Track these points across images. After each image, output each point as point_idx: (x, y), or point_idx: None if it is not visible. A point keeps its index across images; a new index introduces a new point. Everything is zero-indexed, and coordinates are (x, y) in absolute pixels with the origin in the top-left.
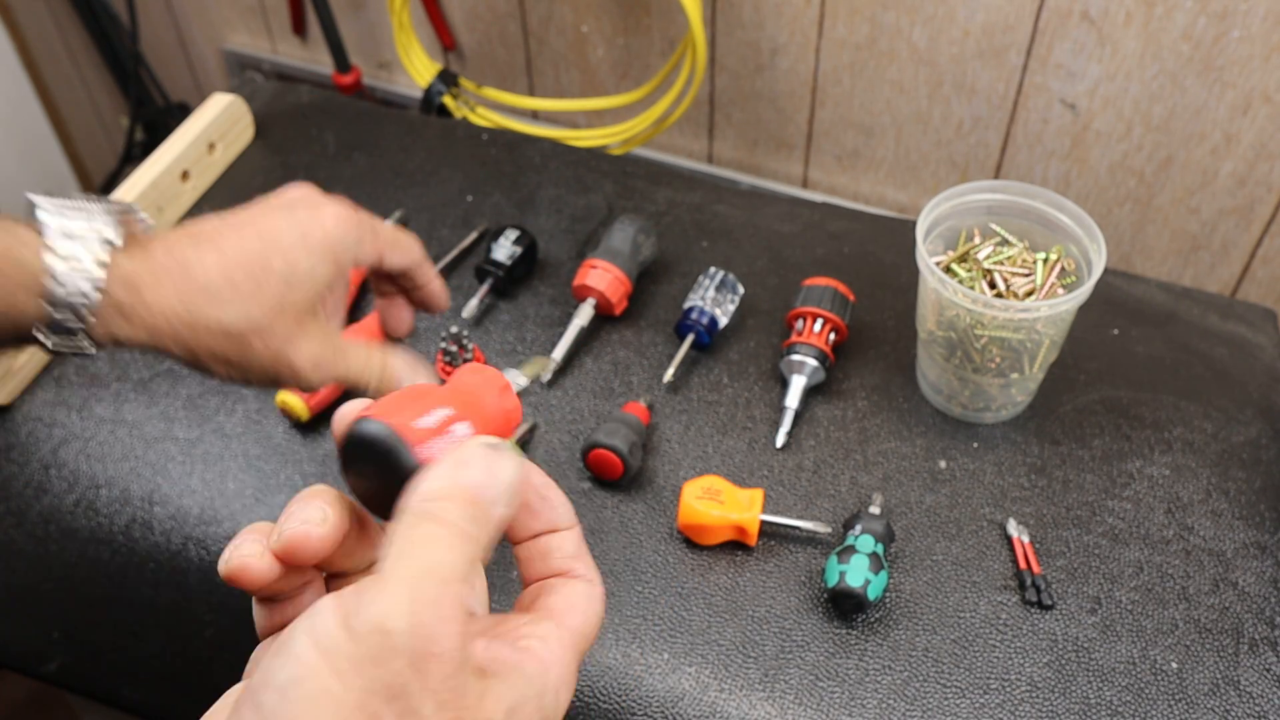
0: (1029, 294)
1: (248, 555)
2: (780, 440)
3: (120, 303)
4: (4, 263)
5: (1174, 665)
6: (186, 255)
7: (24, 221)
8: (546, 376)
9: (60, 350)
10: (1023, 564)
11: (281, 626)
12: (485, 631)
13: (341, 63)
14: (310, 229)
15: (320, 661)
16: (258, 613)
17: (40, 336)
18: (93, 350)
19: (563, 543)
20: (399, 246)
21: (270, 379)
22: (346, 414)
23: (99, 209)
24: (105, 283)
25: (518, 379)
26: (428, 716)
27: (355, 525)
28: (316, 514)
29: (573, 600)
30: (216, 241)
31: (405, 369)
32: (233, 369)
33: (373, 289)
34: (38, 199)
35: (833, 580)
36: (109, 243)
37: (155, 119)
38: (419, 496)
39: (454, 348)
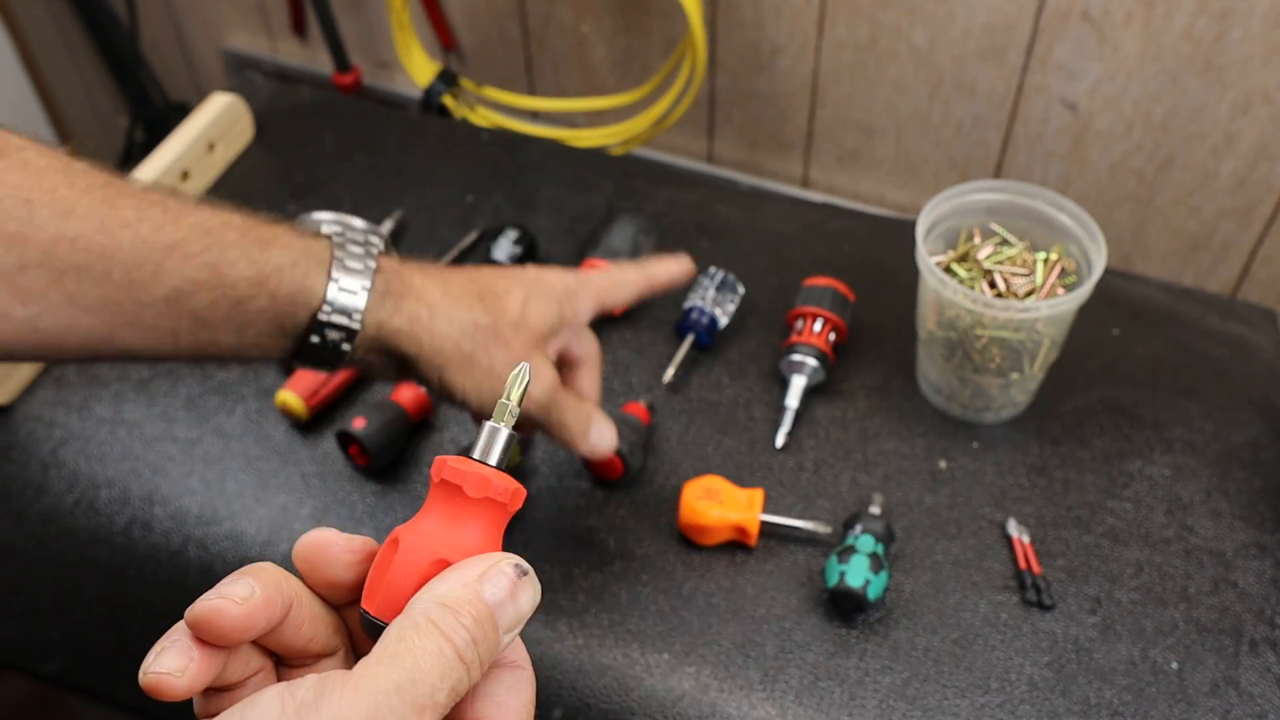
0: (1029, 294)
1: (165, 672)
2: (780, 440)
3: (389, 284)
4: (299, 244)
5: (1174, 665)
6: (435, 270)
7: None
8: (525, 386)
9: (324, 331)
10: (1023, 564)
11: (221, 711)
12: None
13: (341, 63)
14: (537, 277)
15: None
16: (196, 695)
17: (321, 316)
18: (355, 330)
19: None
20: (618, 287)
21: (495, 392)
22: (323, 545)
23: (362, 225)
24: (380, 264)
25: (494, 441)
26: None
27: (305, 602)
28: (241, 590)
29: (500, 699)
30: (457, 275)
31: (605, 435)
32: (473, 371)
33: None
34: (319, 216)
35: (833, 580)
36: (376, 247)
37: (155, 119)
38: (432, 598)
39: None
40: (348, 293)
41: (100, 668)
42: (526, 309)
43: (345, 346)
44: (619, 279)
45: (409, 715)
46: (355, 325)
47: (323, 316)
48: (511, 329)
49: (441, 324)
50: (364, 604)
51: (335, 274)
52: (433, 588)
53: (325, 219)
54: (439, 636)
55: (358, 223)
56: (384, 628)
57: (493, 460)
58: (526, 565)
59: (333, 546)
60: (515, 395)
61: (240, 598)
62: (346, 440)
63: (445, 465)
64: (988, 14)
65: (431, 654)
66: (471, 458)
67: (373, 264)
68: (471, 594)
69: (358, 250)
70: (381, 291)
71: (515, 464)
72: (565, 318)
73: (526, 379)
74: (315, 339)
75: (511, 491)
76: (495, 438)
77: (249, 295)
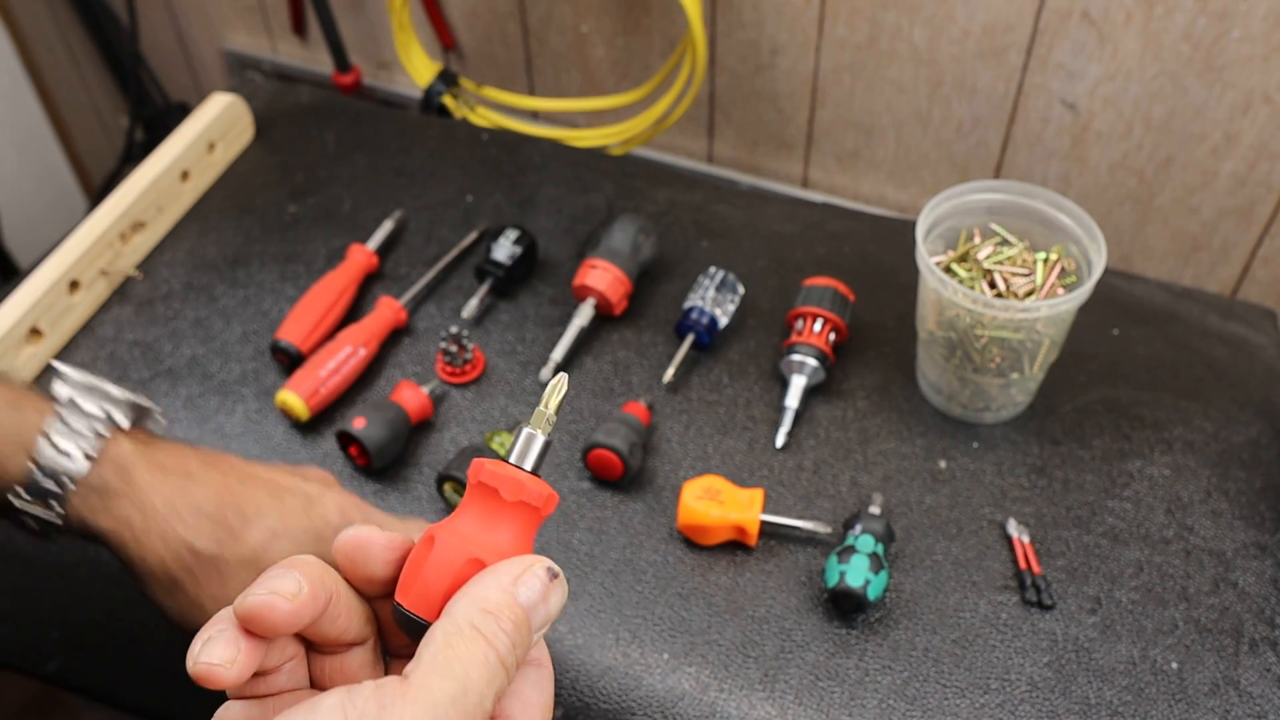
0: (1029, 294)
1: (216, 662)
2: (780, 440)
3: (105, 483)
4: (8, 419)
5: (1174, 665)
6: (191, 467)
7: (39, 391)
8: (562, 394)
9: (22, 515)
10: (1023, 564)
11: (255, 696)
12: None
13: (341, 63)
14: (311, 510)
15: None
16: None
17: (12, 497)
18: (57, 522)
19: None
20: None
21: (198, 620)
22: (371, 546)
23: (118, 395)
24: (98, 458)
25: (530, 446)
26: None
27: (342, 596)
28: (290, 585)
29: (526, 696)
30: (224, 470)
31: None
32: (177, 596)
33: None
34: (62, 369)
35: (833, 580)
36: (114, 425)
37: (155, 119)
38: (472, 602)
39: (454, 348)
40: (49, 478)
41: (100, 668)
42: (271, 545)
43: (52, 528)
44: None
45: None
46: (53, 518)
47: (16, 501)
48: (239, 564)
49: (154, 539)
50: (398, 598)
51: (37, 456)
52: (471, 591)
53: (76, 379)
54: (484, 644)
55: (112, 390)
56: (420, 623)
57: (528, 465)
58: (557, 568)
59: (374, 544)
60: (553, 404)
61: (290, 594)
62: (346, 440)
63: (483, 468)
64: (988, 14)
65: (479, 662)
66: (508, 462)
67: (93, 446)
68: (509, 598)
69: (81, 427)
70: (92, 486)
71: None
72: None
73: (565, 388)
74: (19, 515)
75: (545, 496)
76: (531, 443)
77: None
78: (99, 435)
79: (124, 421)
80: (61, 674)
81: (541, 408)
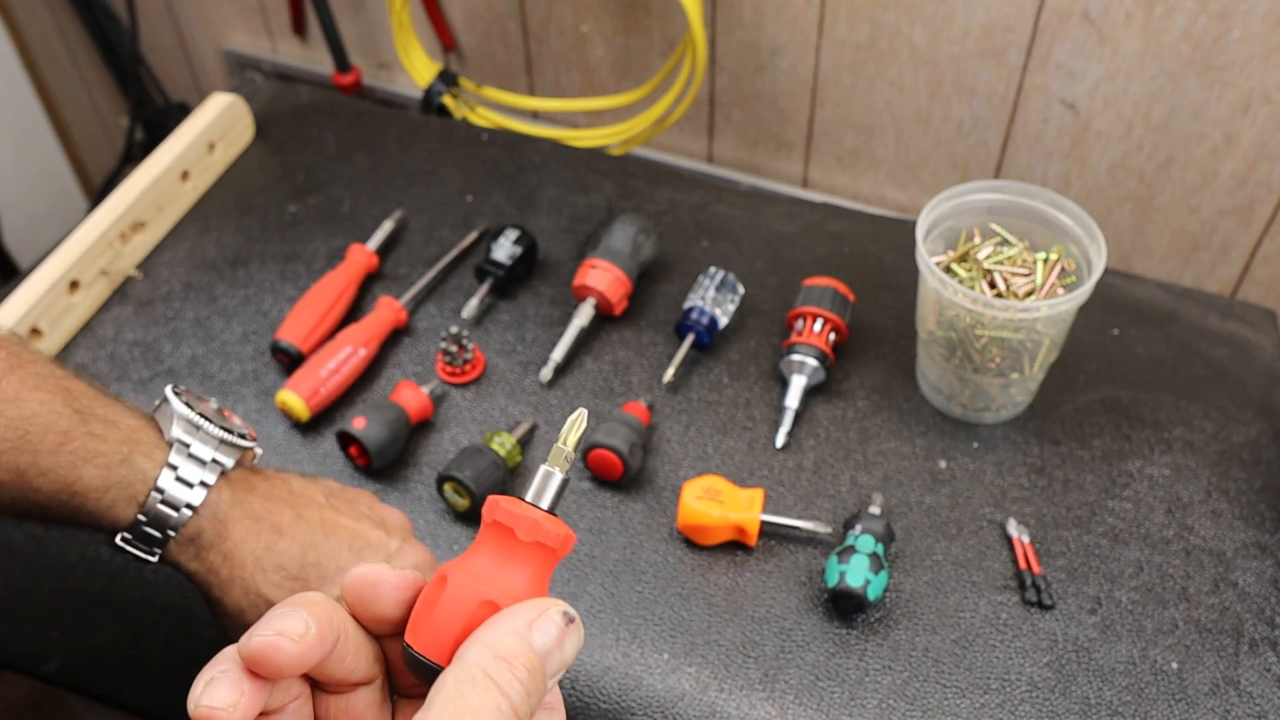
0: (1029, 294)
1: (217, 705)
2: (780, 440)
3: (201, 532)
4: (120, 468)
5: (1174, 665)
6: (282, 521)
7: (154, 424)
8: (582, 429)
9: (124, 550)
10: (1023, 564)
11: None
12: None
13: (341, 63)
14: (390, 561)
15: None
16: None
17: (119, 540)
18: (151, 561)
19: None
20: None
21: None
22: (380, 583)
23: (228, 437)
24: (199, 508)
25: (548, 485)
26: None
27: (350, 635)
28: (297, 626)
29: None
30: (310, 520)
31: None
32: (236, 629)
33: None
34: (176, 405)
35: (833, 580)
36: (222, 472)
37: (155, 119)
38: (485, 647)
39: (454, 348)
40: (153, 527)
41: (100, 668)
42: None
43: (144, 563)
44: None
45: None
46: (151, 558)
47: (119, 542)
48: None
49: (237, 590)
50: (409, 639)
51: (148, 507)
52: (484, 635)
53: (186, 417)
54: (496, 693)
55: (218, 431)
56: (430, 666)
57: (545, 504)
58: (574, 612)
59: (384, 583)
60: (572, 440)
61: (297, 635)
62: (346, 440)
63: (498, 506)
64: (988, 14)
65: (491, 711)
66: (524, 500)
67: (199, 498)
68: (524, 645)
69: (191, 476)
70: (189, 535)
71: (515, 464)
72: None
73: (584, 425)
74: (123, 545)
75: (563, 537)
76: (549, 482)
77: (55, 503)
78: (205, 485)
79: (229, 465)
80: (61, 674)
81: (560, 444)
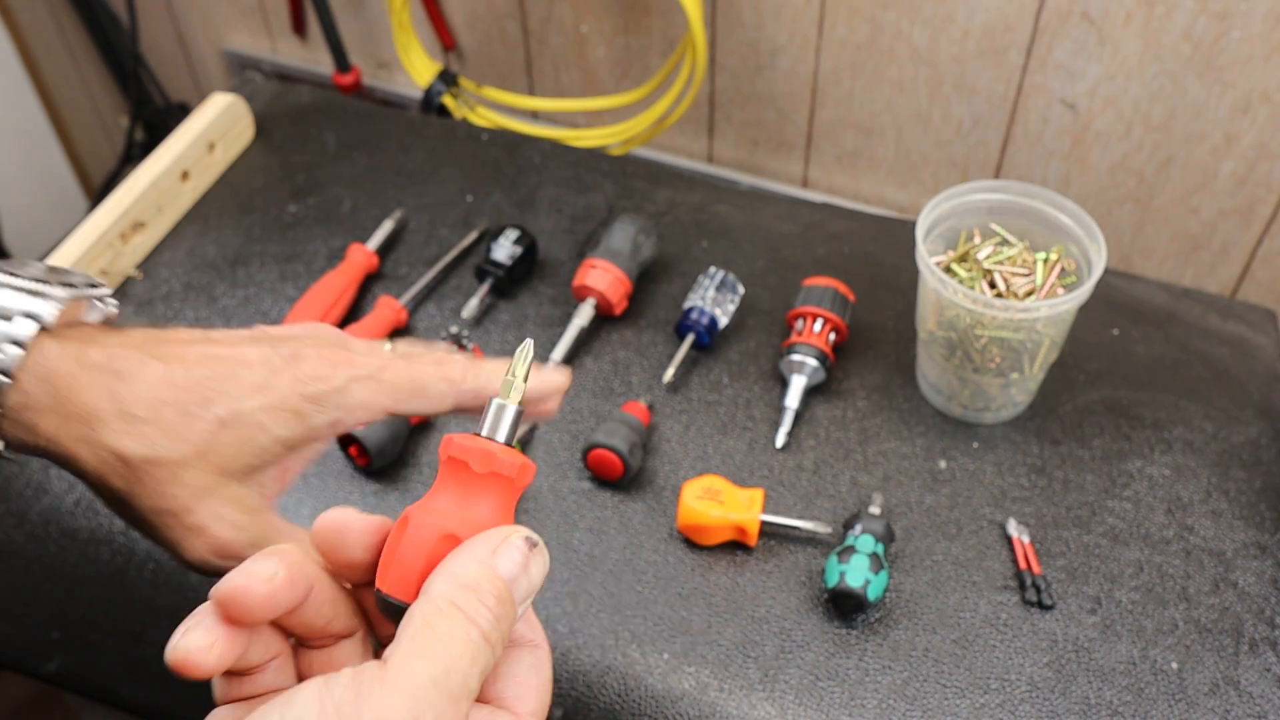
0: (1029, 294)
1: (193, 648)
2: (780, 440)
3: (30, 400)
4: None
5: (1174, 665)
6: (123, 364)
7: None
8: (529, 361)
9: None
10: (1023, 564)
11: (241, 699)
12: None
13: (341, 63)
14: (278, 378)
15: None
16: (216, 680)
17: None
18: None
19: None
20: (422, 396)
21: (153, 535)
22: (343, 526)
23: (30, 285)
24: (16, 375)
25: (501, 418)
26: None
27: (325, 584)
28: (267, 568)
29: (521, 679)
30: (167, 357)
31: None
32: (126, 511)
33: None
34: None
35: (833, 580)
36: (42, 328)
37: (155, 119)
38: (450, 578)
39: (454, 348)
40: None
41: (100, 668)
42: (220, 435)
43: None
44: (428, 384)
45: (447, 708)
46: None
47: None
48: (180, 465)
49: (85, 453)
50: (378, 583)
51: None
52: (448, 567)
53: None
54: (464, 620)
55: (74, 275)
56: (402, 607)
57: (500, 437)
58: (536, 537)
59: (350, 528)
60: (520, 371)
61: (266, 575)
62: (346, 440)
63: (452, 442)
64: (988, 14)
65: (460, 640)
66: (479, 435)
67: (14, 362)
68: (488, 572)
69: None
70: (16, 405)
71: None
72: (314, 430)
73: (531, 355)
74: None
75: (519, 466)
76: (502, 414)
77: None
78: (18, 344)
79: (48, 315)
80: (61, 674)
81: (509, 376)
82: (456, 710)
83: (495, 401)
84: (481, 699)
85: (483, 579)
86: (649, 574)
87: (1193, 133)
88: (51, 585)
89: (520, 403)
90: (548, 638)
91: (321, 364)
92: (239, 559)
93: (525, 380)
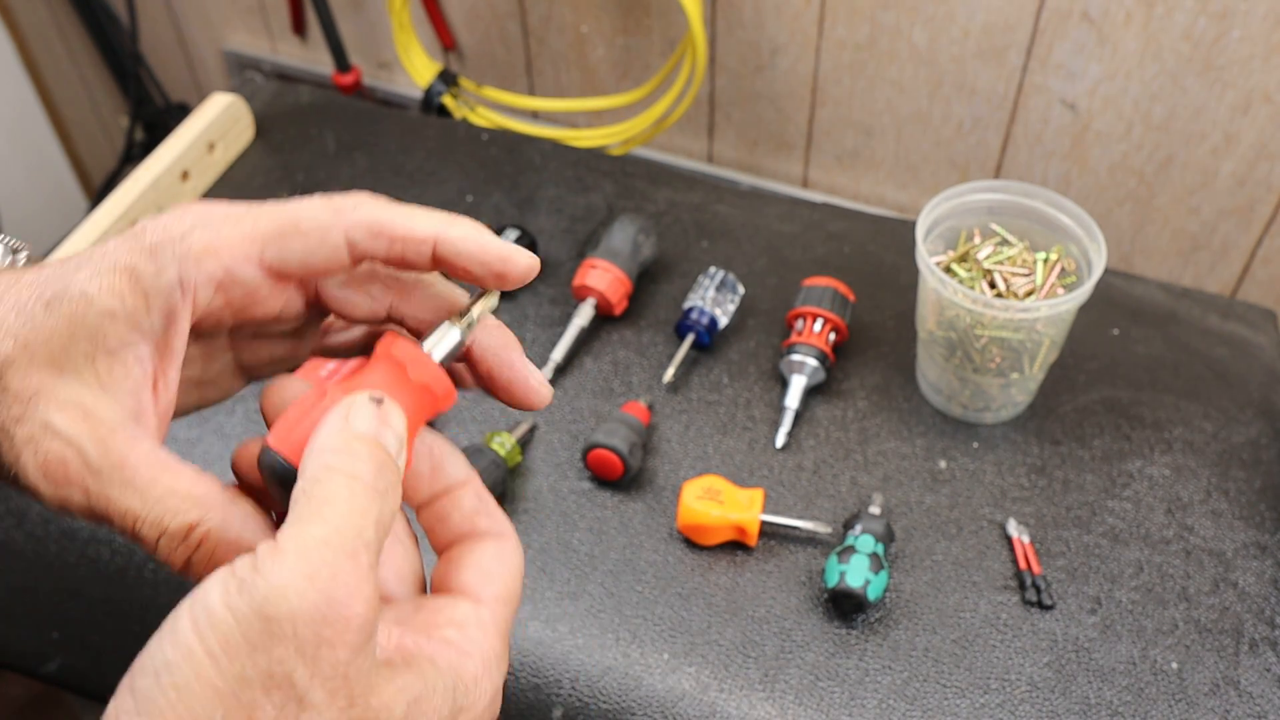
0: (1029, 294)
1: None
2: (780, 440)
3: None
4: None
5: (1174, 665)
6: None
7: None
8: (489, 309)
9: None
10: (1023, 564)
11: None
12: (402, 620)
13: (341, 63)
14: (111, 245)
15: (197, 644)
16: None
17: None
18: None
19: (459, 501)
20: (299, 229)
21: (5, 473)
22: (247, 453)
23: None
24: None
25: (444, 338)
26: (316, 704)
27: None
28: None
29: (484, 567)
30: (7, 276)
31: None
32: None
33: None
34: None
35: (833, 580)
36: None
37: (155, 119)
38: (318, 452)
39: None
40: None
41: (100, 668)
42: (48, 315)
43: None
44: (303, 214)
45: (345, 562)
46: None
47: None
48: None
49: None
50: (270, 441)
51: None
52: (314, 443)
53: None
54: (344, 477)
55: None
56: (286, 470)
57: (437, 356)
58: (379, 394)
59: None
60: (477, 311)
61: None
62: None
63: (396, 341)
64: (988, 14)
65: (344, 497)
66: (420, 346)
67: None
68: (350, 432)
69: None
70: None
71: (515, 464)
72: (156, 296)
73: (495, 304)
74: None
75: (447, 388)
76: (446, 336)
77: None
78: None
79: None
80: (61, 674)
81: (468, 311)
82: (355, 564)
83: (446, 323)
84: (441, 590)
85: (348, 439)
86: (649, 574)
87: (1193, 133)
88: (51, 585)
89: (464, 334)
90: (548, 639)
91: (162, 217)
92: (74, 485)
93: (477, 320)
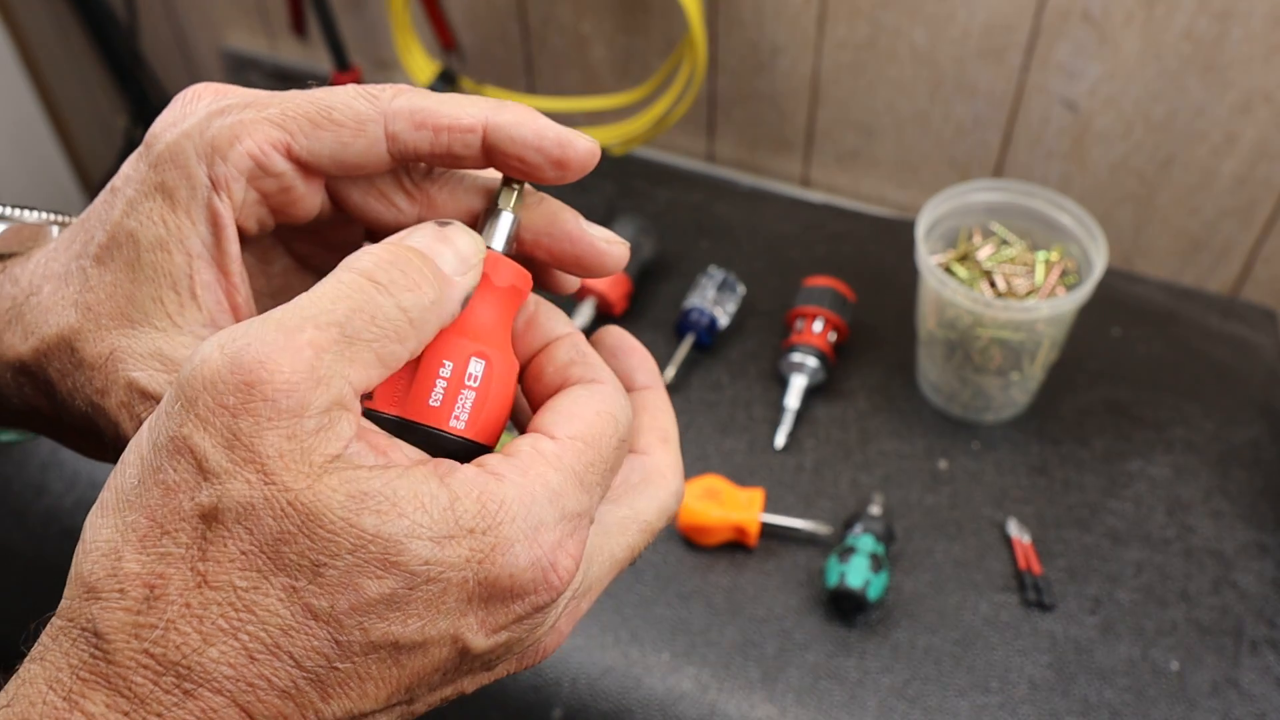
0: (1029, 294)
1: None
2: (780, 440)
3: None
4: None
5: (1174, 665)
6: (15, 270)
7: None
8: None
9: None
10: (1023, 564)
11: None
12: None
13: (341, 62)
14: (132, 166)
15: (142, 426)
16: None
17: None
18: None
19: (554, 355)
20: (331, 119)
21: (105, 448)
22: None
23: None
24: None
25: (498, 224)
26: (217, 472)
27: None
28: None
29: (564, 408)
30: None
31: None
32: (71, 437)
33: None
34: None
35: (833, 580)
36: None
37: (154, 119)
38: (349, 259)
39: None
40: None
41: None
42: (98, 269)
43: None
44: (336, 103)
45: (271, 333)
46: None
47: None
48: (68, 343)
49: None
50: (389, 408)
51: None
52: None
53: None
54: (356, 275)
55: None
56: (467, 443)
57: (499, 246)
58: (449, 219)
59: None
60: (516, 189)
61: None
62: None
63: None
64: (988, 14)
65: (328, 283)
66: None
67: None
68: (393, 245)
69: None
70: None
71: None
72: (187, 201)
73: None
74: None
75: (523, 275)
76: (499, 221)
77: None
78: None
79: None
80: None
81: (509, 187)
82: (286, 335)
83: (490, 211)
84: (527, 429)
85: (374, 248)
86: (649, 574)
87: (1193, 132)
88: (51, 585)
89: (517, 211)
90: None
91: (168, 112)
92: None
93: (519, 194)
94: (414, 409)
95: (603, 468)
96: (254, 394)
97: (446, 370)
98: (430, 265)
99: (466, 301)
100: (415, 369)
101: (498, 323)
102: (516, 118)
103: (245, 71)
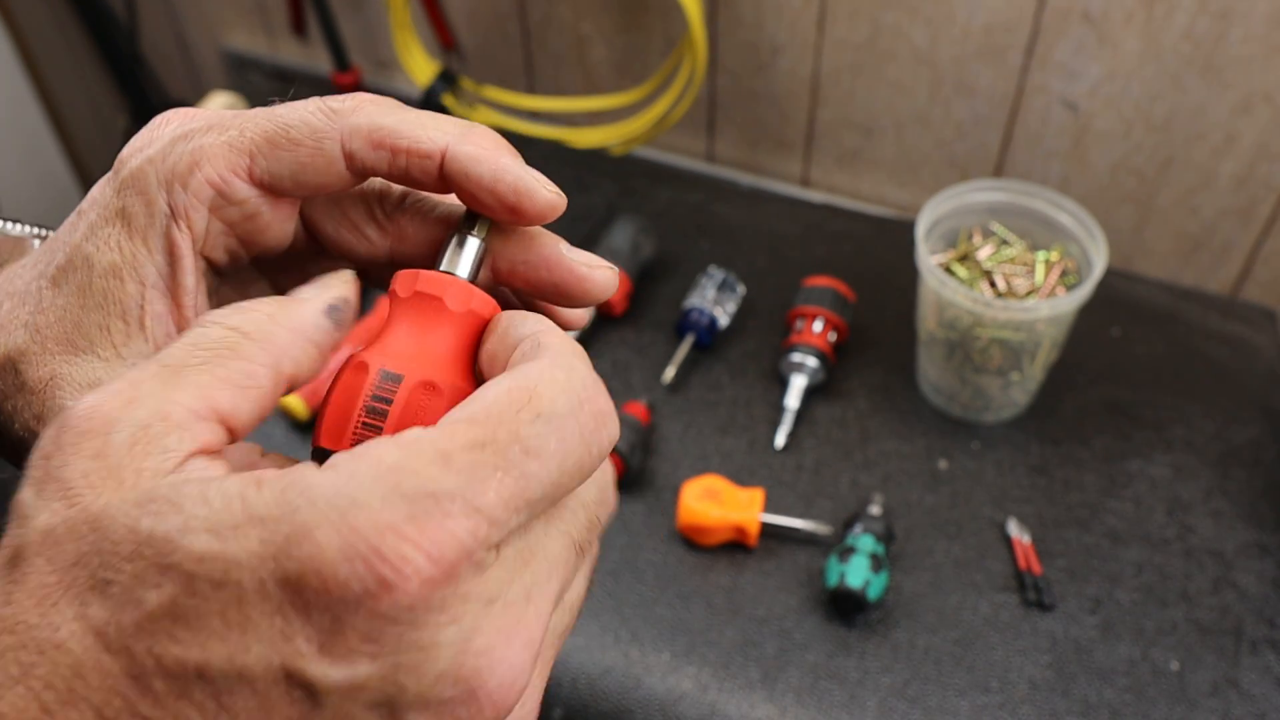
0: (1029, 294)
1: None
2: (780, 440)
3: None
4: None
5: (1174, 665)
6: None
7: None
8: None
9: None
10: (1023, 564)
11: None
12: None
13: (341, 62)
14: (99, 190)
15: None
16: None
17: None
18: None
19: (510, 327)
20: (289, 137)
21: (26, 449)
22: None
23: None
24: None
25: (463, 250)
26: (69, 480)
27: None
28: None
29: (475, 396)
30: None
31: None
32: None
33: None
34: None
35: (833, 580)
36: None
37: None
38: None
39: None
40: None
41: None
42: (52, 292)
43: None
44: (293, 120)
45: (106, 385)
46: None
47: None
48: (15, 364)
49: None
50: (325, 443)
51: None
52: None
53: None
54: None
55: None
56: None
57: (462, 272)
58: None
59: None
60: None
61: None
62: None
63: (419, 276)
64: (988, 14)
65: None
66: (440, 269)
67: None
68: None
69: None
70: None
71: None
72: (150, 231)
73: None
74: None
75: (493, 304)
76: (465, 248)
77: None
78: None
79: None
80: None
81: (478, 216)
82: (136, 374)
83: (469, 238)
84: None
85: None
86: (649, 574)
87: (1193, 133)
88: None
89: (483, 237)
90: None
91: (136, 138)
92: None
93: (485, 222)
94: (326, 436)
95: (498, 447)
96: (64, 431)
97: (365, 395)
98: (267, 300)
99: (340, 310)
100: (329, 398)
101: (448, 348)
102: (476, 152)
103: (245, 71)
